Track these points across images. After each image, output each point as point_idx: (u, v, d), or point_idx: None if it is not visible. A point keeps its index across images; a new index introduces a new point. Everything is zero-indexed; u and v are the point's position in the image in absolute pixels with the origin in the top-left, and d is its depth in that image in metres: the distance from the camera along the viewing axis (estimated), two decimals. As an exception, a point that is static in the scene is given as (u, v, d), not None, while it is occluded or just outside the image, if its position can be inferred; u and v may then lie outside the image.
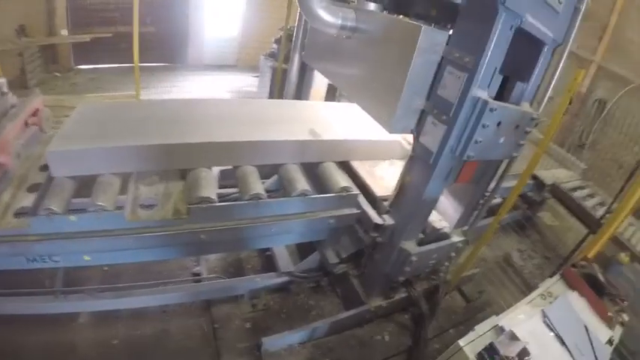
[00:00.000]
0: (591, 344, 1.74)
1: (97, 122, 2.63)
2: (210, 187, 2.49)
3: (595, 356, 1.70)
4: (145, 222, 2.33)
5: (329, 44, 3.21)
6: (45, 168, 2.59)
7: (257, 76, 7.17)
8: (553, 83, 2.74)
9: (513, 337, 1.57)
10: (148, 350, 2.81)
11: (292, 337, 2.96)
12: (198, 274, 3.34)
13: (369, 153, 3.31)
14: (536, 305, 1.91)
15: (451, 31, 2.37)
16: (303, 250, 3.63)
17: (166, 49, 7.48)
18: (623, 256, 2.22)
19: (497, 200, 3.53)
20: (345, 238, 3.25)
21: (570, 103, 2.72)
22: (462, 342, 1.61)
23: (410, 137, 2.81)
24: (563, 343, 1.67)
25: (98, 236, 2.27)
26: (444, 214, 3.16)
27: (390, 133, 2.58)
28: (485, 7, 2.15)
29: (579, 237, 3.72)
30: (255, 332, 3.05)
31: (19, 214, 2.23)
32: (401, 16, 2.88)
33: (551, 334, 1.74)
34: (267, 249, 3.55)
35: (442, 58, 2.39)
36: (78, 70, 7.20)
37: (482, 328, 1.70)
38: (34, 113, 2.82)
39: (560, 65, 2.72)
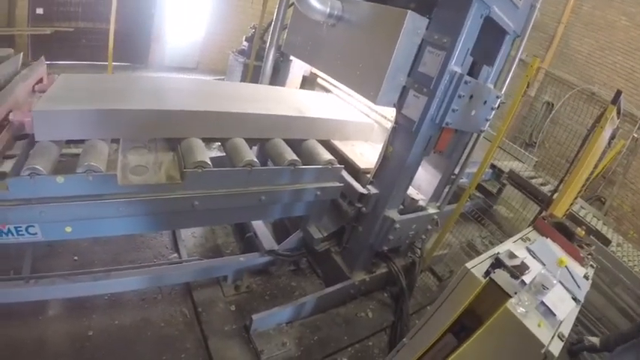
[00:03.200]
0: (571, 275, 1.97)
1: (81, 89, 2.51)
2: (204, 153, 2.48)
3: (577, 285, 1.93)
4: (138, 187, 2.26)
5: (311, 34, 3.43)
6: (21, 138, 2.43)
7: (220, 78, 7.18)
8: (512, 69, 3.14)
9: (512, 255, 1.75)
10: (129, 340, 2.63)
11: (281, 314, 2.94)
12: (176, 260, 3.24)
13: (349, 132, 3.49)
14: (519, 244, 2.13)
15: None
16: (280, 235, 3.65)
17: (128, 48, 7.21)
18: (580, 230, 2.53)
19: (463, 181, 3.86)
20: (326, 218, 3.37)
21: (528, 87, 3.10)
22: (468, 265, 1.76)
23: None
24: (549, 270, 1.88)
25: (85, 201, 2.14)
26: (419, 190, 3.40)
27: (377, 105, 2.82)
28: (462, -2, 2.50)
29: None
30: (241, 314, 3.00)
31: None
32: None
33: (538, 263, 1.94)
34: (247, 231, 3.53)
35: (422, 40, 2.73)
36: (35, 65, 6.68)
37: (482, 256, 1.87)
38: (40, 81, 2.65)
39: (518, 54, 3.13)
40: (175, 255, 3.38)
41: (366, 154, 3.42)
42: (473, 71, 2.90)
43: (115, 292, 2.84)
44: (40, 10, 6.22)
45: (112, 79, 2.96)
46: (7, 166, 2.16)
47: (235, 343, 2.79)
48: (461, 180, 3.69)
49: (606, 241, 4.34)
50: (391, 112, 3.08)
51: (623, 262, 4.11)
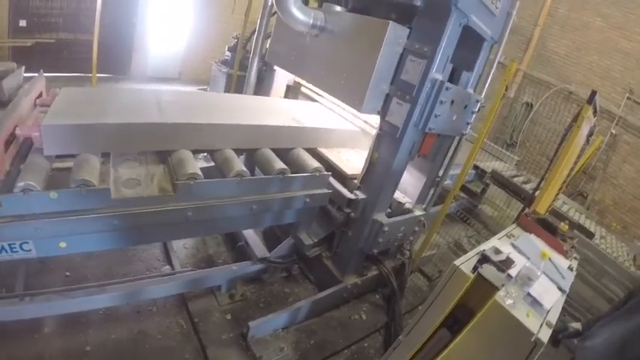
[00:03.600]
0: (555, 267, 2.07)
1: (84, 103, 2.57)
2: (194, 165, 2.52)
3: (562, 276, 2.03)
4: (131, 200, 2.28)
5: (295, 44, 3.51)
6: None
7: (203, 88, 7.21)
8: (491, 73, 3.27)
9: (498, 251, 1.84)
10: (126, 354, 2.63)
11: (277, 320, 2.98)
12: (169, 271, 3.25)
13: (335, 140, 3.58)
14: (504, 241, 2.23)
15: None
16: (271, 243, 3.69)
17: (110, 59, 7.14)
18: (563, 225, 2.65)
19: (447, 183, 3.99)
20: (316, 224, 3.44)
21: (506, 90, 3.23)
22: (457, 262, 1.84)
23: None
24: (533, 263, 1.98)
25: (79, 215, 2.15)
26: (405, 193, 3.50)
27: (361, 113, 2.92)
28: (441, 7, 2.64)
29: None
30: (237, 323, 3.02)
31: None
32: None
33: (523, 257, 2.04)
34: (238, 240, 3.57)
35: (404, 50, 2.83)
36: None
37: (470, 254, 1.96)
38: (40, 95, 2.67)
39: (497, 59, 3.27)
40: (168, 267, 3.39)
41: (352, 160, 3.51)
42: (453, 77, 3.02)
43: (110, 307, 2.84)
44: (22, 23, 6.17)
45: (110, 92, 3.10)
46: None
47: (233, 351, 2.81)
48: (445, 182, 3.81)
49: (590, 234, 4.50)
50: (375, 120, 3.18)
51: (608, 253, 4.25)
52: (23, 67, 2.82)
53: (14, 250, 2.13)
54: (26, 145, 2.37)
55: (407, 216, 3.31)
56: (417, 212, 3.41)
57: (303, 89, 4.19)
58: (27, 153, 2.33)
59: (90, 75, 5.60)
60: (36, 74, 2.80)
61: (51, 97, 2.61)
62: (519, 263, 1.93)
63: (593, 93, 3.09)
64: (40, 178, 2.11)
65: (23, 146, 2.37)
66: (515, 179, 5.42)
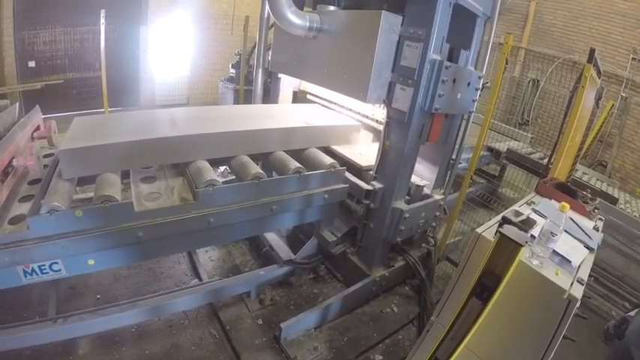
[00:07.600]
0: (579, 226, 2.03)
1: (96, 128, 2.68)
2: (212, 173, 2.59)
3: (588, 235, 1.99)
4: (154, 212, 2.35)
5: (295, 49, 3.60)
6: (34, 182, 2.56)
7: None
8: (489, 48, 3.28)
9: (518, 213, 1.82)
10: (161, 368, 2.66)
11: (308, 319, 2.98)
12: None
13: (346, 136, 3.63)
14: (524, 208, 2.20)
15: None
16: (295, 247, 3.69)
17: (119, 93, 7.39)
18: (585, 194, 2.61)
19: (463, 166, 3.96)
20: (338, 221, 3.47)
21: (507, 63, 3.23)
22: (479, 230, 1.83)
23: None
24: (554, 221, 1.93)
25: (105, 231, 2.22)
26: (422, 179, 3.49)
27: (367, 103, 2.97)
28: (429, -11, 2.65)
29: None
30: (269, 327, 3.04)
31: (14, 222, 2.12)
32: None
33: (544, 219, 2.01)
34: (263, 246, 3.61)
35: (399, 37, 2.88)
36: (28, 121, 6.85)
37: (490, 222, 1.94)
38: (37, 128, 2.79)
39: (492, 34, 3.27)
40: (196, 280, 3.44)
41: (365, 153, 3.53)
42: (452, 57, 3.03)
43: (142, 323, 2.90)
44: (32, 64, 6.45)
45: (119, 116, 3.19)
46: (21, 208, 2.26)
47: (268, 355, 2.82)
48: (461, 165, 3.78)
49: (613, 200, 4.37)
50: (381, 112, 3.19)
51: (635, 217, 4.12)
52: (17, 104, 2.93)
53: (44, 271, 2.20)
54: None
55: (427, 201, 3.30)
56: (436, 197, 3.40)
57: (309, 96, 4.25)
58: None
59: (101, 110, 5.81)
60: (48, 115, 2.95)
61: (47, 130, 2.71)
62: (541, 224, 1.90)
63: (592, 51, 3.02)
64: (65, 198, 2.18)
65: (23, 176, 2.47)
66: (532, 156, 5.33)
